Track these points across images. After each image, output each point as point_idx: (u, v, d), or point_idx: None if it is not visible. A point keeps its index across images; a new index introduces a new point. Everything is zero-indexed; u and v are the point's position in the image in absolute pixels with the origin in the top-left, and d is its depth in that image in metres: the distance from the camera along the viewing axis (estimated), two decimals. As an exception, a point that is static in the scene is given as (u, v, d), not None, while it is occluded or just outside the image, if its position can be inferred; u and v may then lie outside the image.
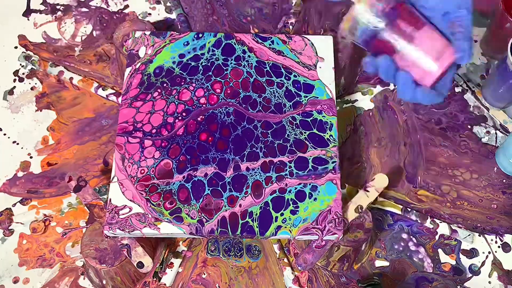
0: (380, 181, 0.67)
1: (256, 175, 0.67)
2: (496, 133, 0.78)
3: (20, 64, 0.82)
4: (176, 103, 0.71)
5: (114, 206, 0.65)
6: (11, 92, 0.81)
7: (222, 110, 0.71)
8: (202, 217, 0.64)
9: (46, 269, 0.70)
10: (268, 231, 0.64)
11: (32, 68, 0.82)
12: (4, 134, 0.78)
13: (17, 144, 0.77)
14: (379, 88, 0.81)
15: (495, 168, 0.76)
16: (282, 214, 0.64)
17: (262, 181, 0.67)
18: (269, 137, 0.69)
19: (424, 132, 0.78)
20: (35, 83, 0.81)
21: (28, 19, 0.86)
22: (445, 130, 0.78)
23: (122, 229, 0.63)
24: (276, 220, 0.64)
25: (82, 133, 0.78)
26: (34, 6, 0.87)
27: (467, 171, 0.76)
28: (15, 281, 0.69)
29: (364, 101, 0.80)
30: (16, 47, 0.84)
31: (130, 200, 0.65)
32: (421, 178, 0.75)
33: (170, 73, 0.73)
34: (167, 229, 0.64)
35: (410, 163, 0.76)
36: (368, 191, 0.66)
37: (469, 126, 0.78)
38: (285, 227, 0.64)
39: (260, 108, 0.71)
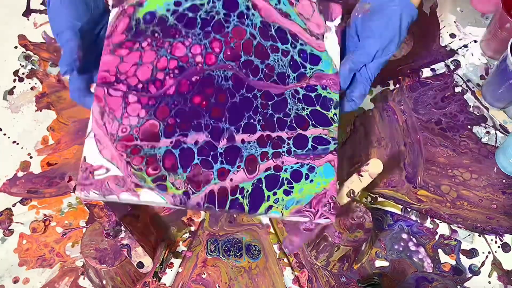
0: (374, 166, 0.64)
1: (251, 149, 0.62)
2: (496, 133, 0.78)
3: (20, 64, 0.82)
4: (168, 57, 0.64)
5: (89, 165, 0.59)
6: (11, 92, 0.81)
7: (219, 73, 0.64)
8: (188, 188, 0.59)
9: (46, 269, 0.70)
10: (258, 210, 0.60)
11: (32, 68, 0.82)
12: (4, 134, 0.78)
13: (17, 144, 0.77)
14: (379, 88, 0.81)
15: (495, 168, 0.76)
16: (275, 194, 0.61)
17: (257, 156, 0.62)
18: (269, 109, 0.64)
19: (424, 132, 0.78)
20: (35, 83, 0.81)
21: (28, 19, 0.86)
22: (445, 130, 0.78)
23: (97, 191, 0.58)
24: (268, 199, 0.61)
25: (82, 133, 0.78)
26: (34, 6, 0.87)
27: (467, 171, 0.76)
28: (15, 281, 0.69)
29: (364, 101, 0.80)
30: (16, 47, 0.84)
31: (108, 161, 0.59)
32: (421, 178, 0.75)
33: (163, 22, 0.65)
34: (147, 196, 0.59)
35: (410, 163, 0.76)
36: (361, 175, 0.64)
37: (469, 126, 0.79)
38: (277, 207, 0.61)
39: (262, 76, 0.65)
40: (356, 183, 0.64)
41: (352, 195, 0.63)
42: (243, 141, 0.62)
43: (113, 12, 0.65)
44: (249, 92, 0.64)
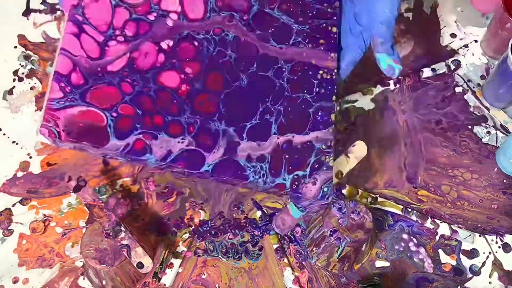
0: (359, 149, 0.61)
1: (259, 179, 0.44)
2: (496, 133, 0.78)
3: (20, 64, 0.82)
4: (113, 2, 0.41)
5: None
6: (10, 92, 0.80)
7: (209, 36, 0.42)
8: None
9: (45, 269, 0.70)
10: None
11: (31, 67, 0.82)
12: (4, 134, 0.77)
13: (17, 144, 0.77)
14: (379, 88, 0.81)
15: (496, 168, 0.76)
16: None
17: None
18: (303, 92, 0.44)
19: (424, 132, 0.78)
20: (35, 83, 0.81)
21: (27, 19, 0.86)
22: (446, 130, 0.78)
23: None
24: None
25: (81, 133, 0.78)
26: (33, 5, 0.87)
27: (468, 171, 0.76)
28: (15, 281, 0.69)
29: (364, 101, 0.80)
30: (15, 47, 0.84)
31: None
32: (421, 178, 0.75)
33: None
34: None
35: (410, 163, 0.76)
36: (348, 157, 0.61)
37: (470, 126, 0.78)
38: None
39: (299, 39, 0.44)
40: (343, 164, 0.60)
41: (340, 177, 0.60)
42: (249, 158, 0.43)
43: None
44: (268, 67, 0.43)
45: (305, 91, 0.45)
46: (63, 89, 0.41)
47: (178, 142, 0.41)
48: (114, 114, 0.41)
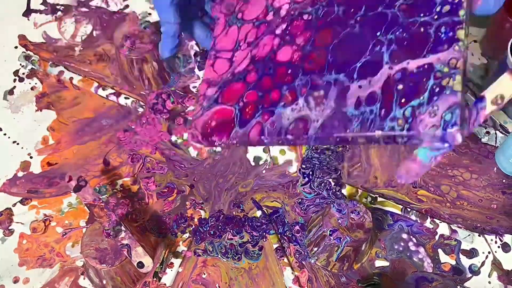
0: None
1: (368, 120, 0.38)
2: (496, 133, 0.78)
3: (20, 64, 0.83)
4: (239, 25, 0.47)
5: None
6: (11, 92, 0.81)
7: (318, 5, 0.44)
8: None
9: (46, 269, 0.70)
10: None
11: (32, 68, 0.82)
12: (4, 134, 0.78)
13: (17, 144, 0.77)
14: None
15: (495, 168, 0.76)
16: None
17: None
18: (422, 15, 0.40)
19: (424, 132, 0.78)
20: (35, 83, 0.81)
21: (28, 19, 0.86)
22: (445, 130, 0.78)
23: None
24: None
25: (82, 133, 0.78)
26: (34, 6, 0.87)
27: (467, 171, 0.76)
28: (15, 281, 0.69)
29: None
30: (16, 47, 0.84)
31: None
32: (421, 178, 0.75)
33: None
34: None
35: (410, 163, 0.76)
36: None
37: (469, 126, 0.78)
38: None
39: None
40: (509, 85, 0.43)
41: (500, 102, 0.43)
42: (358, 102, 0.39)
43: None
44: (378, 4, 0.42)
45: (423, 14, 0.41)
46: (201, 104, 0.46)
47: (292, 110, 0.42)
48: (241, 104, 0.44)
